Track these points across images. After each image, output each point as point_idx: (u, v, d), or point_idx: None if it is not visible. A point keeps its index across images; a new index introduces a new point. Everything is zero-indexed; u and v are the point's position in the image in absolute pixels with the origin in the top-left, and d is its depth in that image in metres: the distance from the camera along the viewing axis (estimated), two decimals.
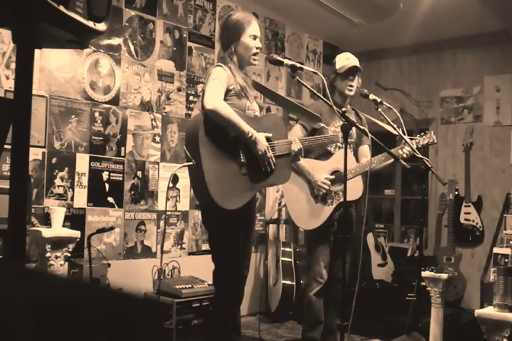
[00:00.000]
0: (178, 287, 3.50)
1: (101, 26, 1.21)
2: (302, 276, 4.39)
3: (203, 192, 2.26)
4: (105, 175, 3.64)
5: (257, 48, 2.54)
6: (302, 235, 4.66)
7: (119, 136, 3.72)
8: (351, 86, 3.08)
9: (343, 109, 2.43)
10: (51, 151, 3.35)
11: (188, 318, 3.47)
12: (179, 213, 4.10)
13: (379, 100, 2.75)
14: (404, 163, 2.56)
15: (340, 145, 3.03)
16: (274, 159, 2.44)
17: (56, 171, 3.37)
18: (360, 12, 4.68)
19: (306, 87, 2.42)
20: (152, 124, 3.94)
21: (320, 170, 3.03)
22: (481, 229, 4.90)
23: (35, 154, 3.27)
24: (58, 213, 3.13)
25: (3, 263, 0.98)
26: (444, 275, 3.01)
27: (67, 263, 3.07)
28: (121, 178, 3.73)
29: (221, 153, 2.32)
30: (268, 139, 2.45)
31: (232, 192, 2.33)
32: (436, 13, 4.48)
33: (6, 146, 1.28)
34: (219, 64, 2.47)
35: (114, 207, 3.68)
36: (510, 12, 4.43)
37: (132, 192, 3.79)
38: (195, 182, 2.40)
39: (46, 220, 3.22)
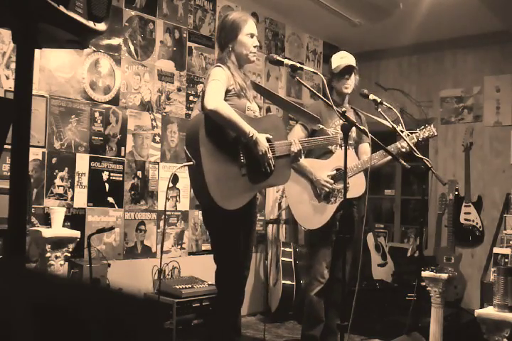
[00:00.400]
0: (178, 287, 3.50)
1: (101, 26, 1.21)
2: (302, 276, 4.40)
3: (202, 192, 2.26)
4: (105, 175, 3.64)
5: (254, 46, 2.54)
6: (302, 235, 4.66)
7: (119, 136, 3.72)
8: (348, 84, 3.11)
9: (343, 109, 2.43)
10: (51, 151, 3.35)
11: (188, 318, 3.47)
12: (179, 213, 4.10)
13: (379, 100, 2.75)
14: (404, 163, 2.55)
15: (341, 145, 3.04)
16: (273, 160, 2.45)
17: (56, 171, 3.37)
18: (360, 12, 4.68)
19: (306, 87, 2.42)
20: (152, 124, 3.94)
21: (322, 169, 3.03)
22: (481, 229, 4.90)
23: (35, 154, 3.27)
24: (58, 213, 3.13)
25: (3, 263, 0.97)
26: (444, 276, 3.01)
27: (67, 263, 3.07)
28: (121, 178, 3.73)
29: (221, 153, 2.32)
30: (268, 140, 2.46)
31: (232, 192, 2.33)
32: (436, 13, 4.48)
33: (6, 146, 1.28)
34: (218, 64, 2.48)
35: (114, 207, 3.68)
36: (511, 12, 4.43)
37: (132, 192, 3.79)
38: (195, 182, 2.40)
39: (46, 220, 3.22)
